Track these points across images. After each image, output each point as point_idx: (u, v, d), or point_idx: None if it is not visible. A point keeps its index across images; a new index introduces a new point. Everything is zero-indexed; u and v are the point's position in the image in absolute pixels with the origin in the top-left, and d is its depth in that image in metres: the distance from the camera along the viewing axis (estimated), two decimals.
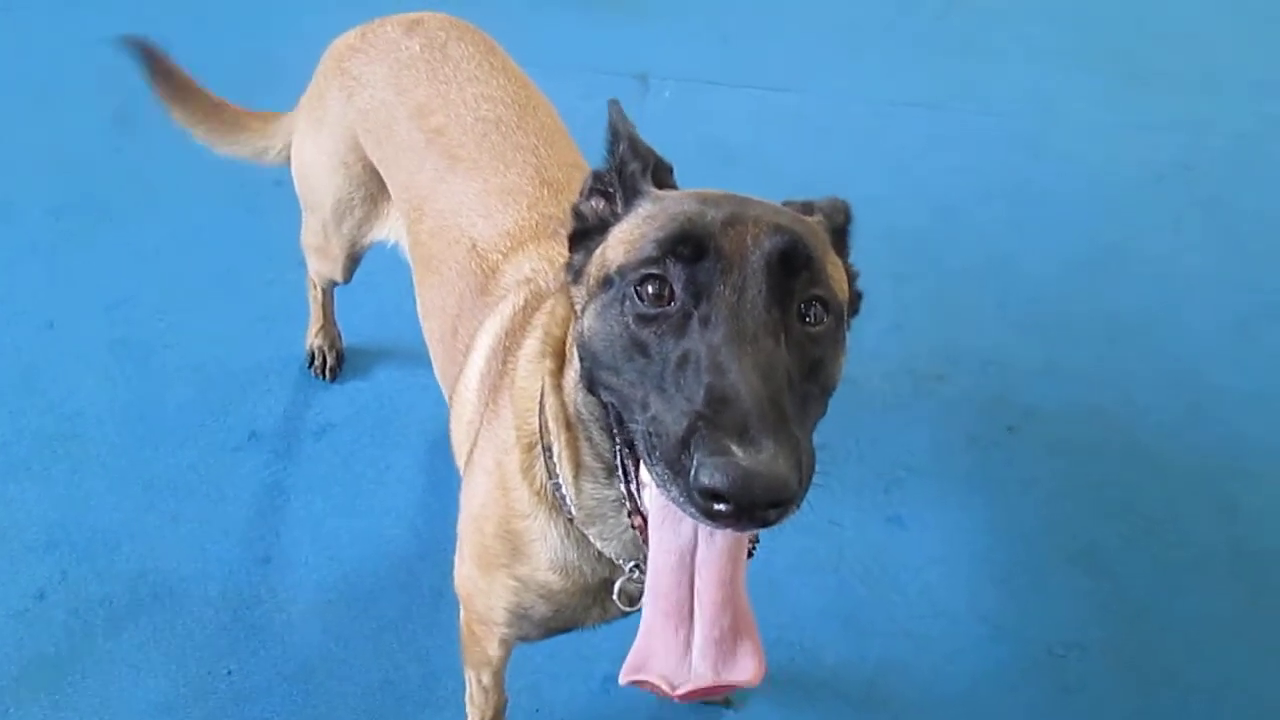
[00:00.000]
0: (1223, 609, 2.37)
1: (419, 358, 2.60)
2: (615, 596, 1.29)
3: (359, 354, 2.65)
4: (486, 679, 1.71)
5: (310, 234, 2.20)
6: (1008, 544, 2.46)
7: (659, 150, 1.23)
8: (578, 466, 1.18)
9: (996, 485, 2.58)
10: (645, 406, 0.94)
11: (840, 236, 1.18)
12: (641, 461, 0.98)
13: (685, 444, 0.87)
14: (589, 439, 1.14)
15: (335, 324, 2.58)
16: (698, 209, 1.01)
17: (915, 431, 2.68)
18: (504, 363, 1.41)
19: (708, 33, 4.13)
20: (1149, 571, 2.43)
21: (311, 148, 2.02)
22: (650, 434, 0.92)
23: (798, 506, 0.88)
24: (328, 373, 2.56)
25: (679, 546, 0.98)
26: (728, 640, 0.97)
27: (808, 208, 1.17)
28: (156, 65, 2.23)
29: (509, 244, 1.57)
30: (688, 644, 0.97)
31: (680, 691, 0.97)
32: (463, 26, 1.91)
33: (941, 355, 2.87)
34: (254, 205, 3.04)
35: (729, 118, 3.65)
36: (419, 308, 1.84)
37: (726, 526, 0.87)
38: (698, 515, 0.87)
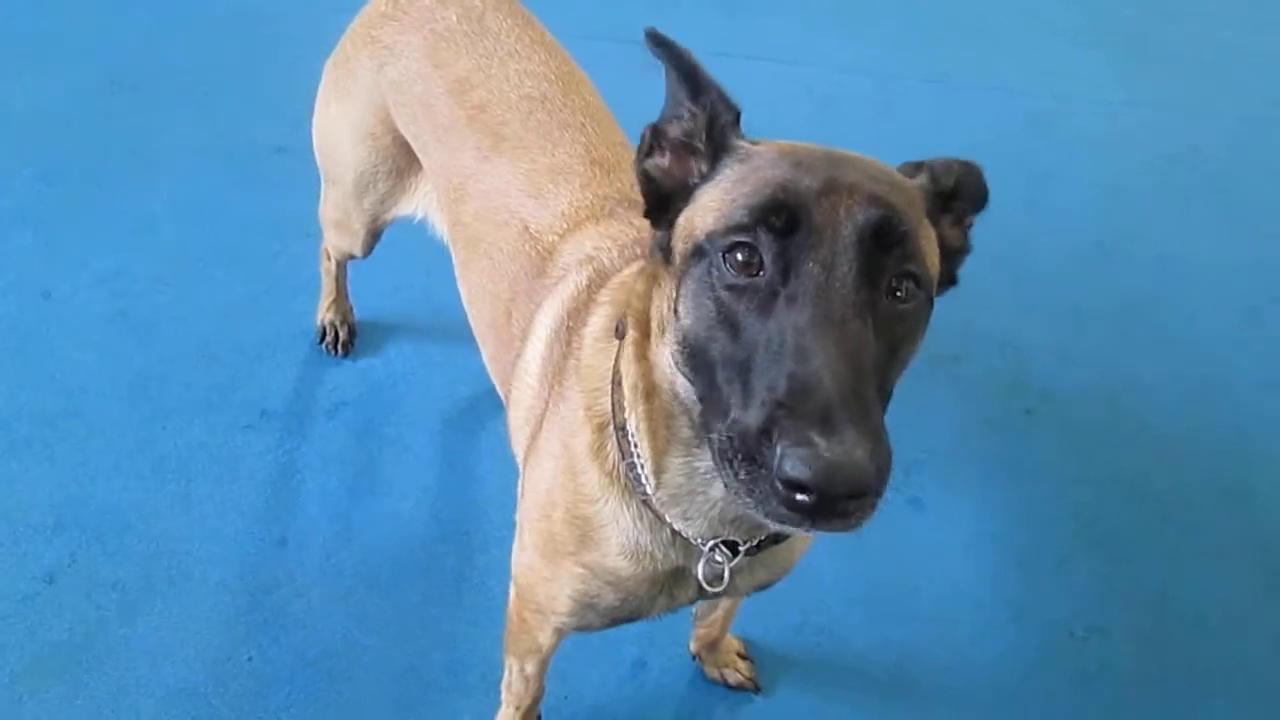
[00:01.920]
0: (1238, 592, 2.39)
1: (434, 333, 2.56)
2: (700, 579, 1.24)
3: (371, 329, 2.58)
4: (531, 668, 1.67)
5: (330, 207, 2.12)
6: (1027, 527, 2.46)
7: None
8: (665, 441, 1.12)
9: (1015, 468, 2.58)
10: (726, 412, 0.91)
11: (946, 201, 1.12)
12: (713, 463, 0.95)
13: (766, 433, 0.85)
14: (685, 410, 1.08)
15: (348, 298, 2.50)
16: (792, 175, 0.96)
17: (934, 413, 2.66)
18: (568, 344, 1.35)
19: (717, 5, 4.06)
20: (1166, 555, 2.44)
21: (337, 117, 1.94)
22: (730, 438, 0.89)
23: (880, 497, 0.86)
24: (340, 348, 2.49)
25: None
26: None
27: (917, 167, 1.12)
28: None
29: (565, 225, 1.51)
30: None
31: None
32: None
33: (958, 336, 2.85)
34: (255, 173, 2.95)
35: (736, 90, 3.52)
36: (463, 294, 1.77)
37: (805, 524, 0.85)
38: (779, 510, 0.85)
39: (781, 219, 0.93)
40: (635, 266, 1.34)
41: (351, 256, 2.27)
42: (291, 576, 2.11)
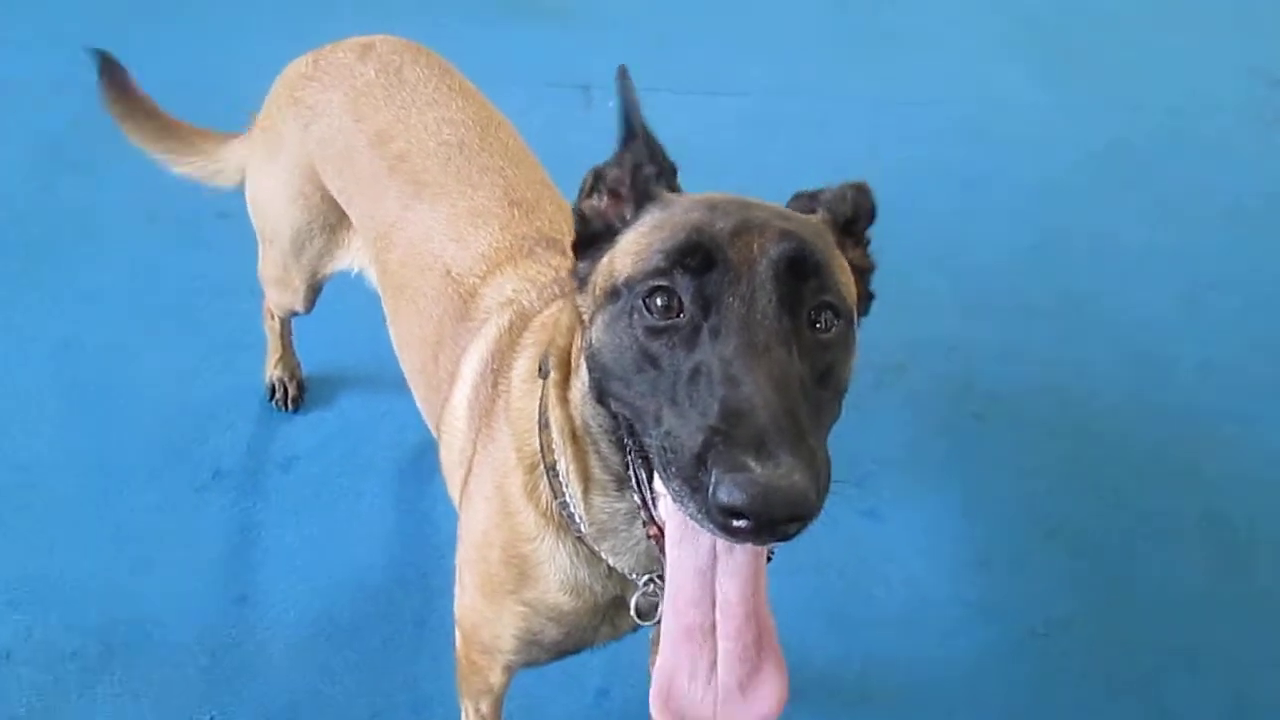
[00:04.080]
0: (1194, 573, 2.43)
1: (381, 382, 2.58)
2: (633, 613, 1.26)
3: (320, 382, 2.60)
4: (485, 708, 1.67)
5: (268, 265, 2.14)
6: (983, 528, 2.49)
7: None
8: (587, 480, 1.16)
9: (967, 470, 2.61)
10: (659, 421, 0.93)
11: (848, 226, 1.16)
12: (656, 473, 0.97)
13: (702, 460, 0.86)
14: (597, 451, 1.12)
15: (294, 353, 2.52)
16: (706, 217, 1.00)
17: (883, 423, 2.70)
18: (494, 386, 1.38)
19: (646, 41, 4.13)
20: (1121, 543, 2.48)
21: (267, 180, 1.97)
22: (665, 449, 0.91)
23: (816, 517, 0.87)
24: (290, 403, 2.51)
25: (698, 564, 0.97)
26: (751, 654, 0.96)
27: (812, 200, 1.15)
28: (114, 79, 2.17)
29: (485, 267, 1.54)
30: (712, 662, 0.96)
31: None
32: (416, 49, 1.88)
33: (902, 345, 2.89)
34: (198, 238, 2.97)
35: (675, 123, 3.56)
36: (394, 339, 1.80)
37: (746, 541, 0.87)
38: (717, 531, 0.86)
39: (696, 259, 0.96)
40: (556, 306, 1.37)
41: (294, 313, 2.29)
42: (252, 632, 2.11)
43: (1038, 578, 2.39)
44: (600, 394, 1.03)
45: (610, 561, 1.22)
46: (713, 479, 0.84)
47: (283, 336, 2.47)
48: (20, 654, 2.04)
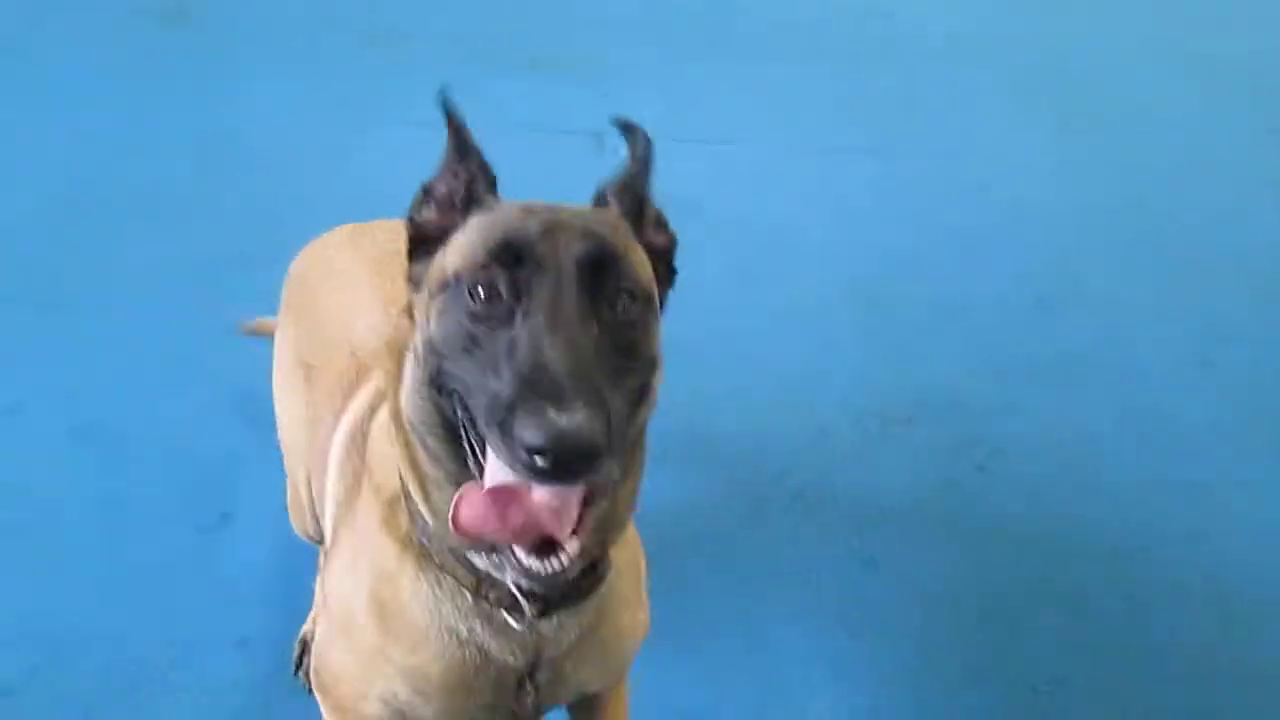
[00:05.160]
0: (1197, 637, 2.41)
1: None
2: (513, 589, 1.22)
3: None
4: None
5: (289, 488, 2.01)
6: (984, 583, 2.49)
7: None
8: (423, 480, 1.21)
9: (969, 525, 2.62)
10: (483, 389, 1.07)
11: (638, 212, 1.28)
12: (481, 430, 1.08)
13: (512, 409, 1.00)
14: (425, 447, 1.19)
15: None
16: (520, 220, 1.15)
17: (886, 475, 2.71)
18: (363, 444, 1.42)
19: (655, 92, 4.21)
20: (1124, 604, 2.47)
21: (280, 396, 1.95)
22: (486, 408, 1.05)
23: (609, 463, 1.01)
24: None
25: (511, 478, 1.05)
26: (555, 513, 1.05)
27: (601, 199, 1.28)
28: None
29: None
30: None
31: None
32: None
33: (907, 399, 2.92)
34: (213, 286, 3.02)
35: (681, 172, 3.68)
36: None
37: (547, 481, 1.00)
38: (524, 471, 0.99)
39: (510, 254, 1.11)
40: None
41: (312, 539, 2.03)
42: (252, 676, 2.12)
43: (1038, 636, 2.38)
44: (434, 378, 1.14)
45: (477, 563, 1.21)
46: (517, 423, 0.97)
47: None
48: (23, 692, 2.06)
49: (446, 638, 1.26)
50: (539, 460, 0.96)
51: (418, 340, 1.18)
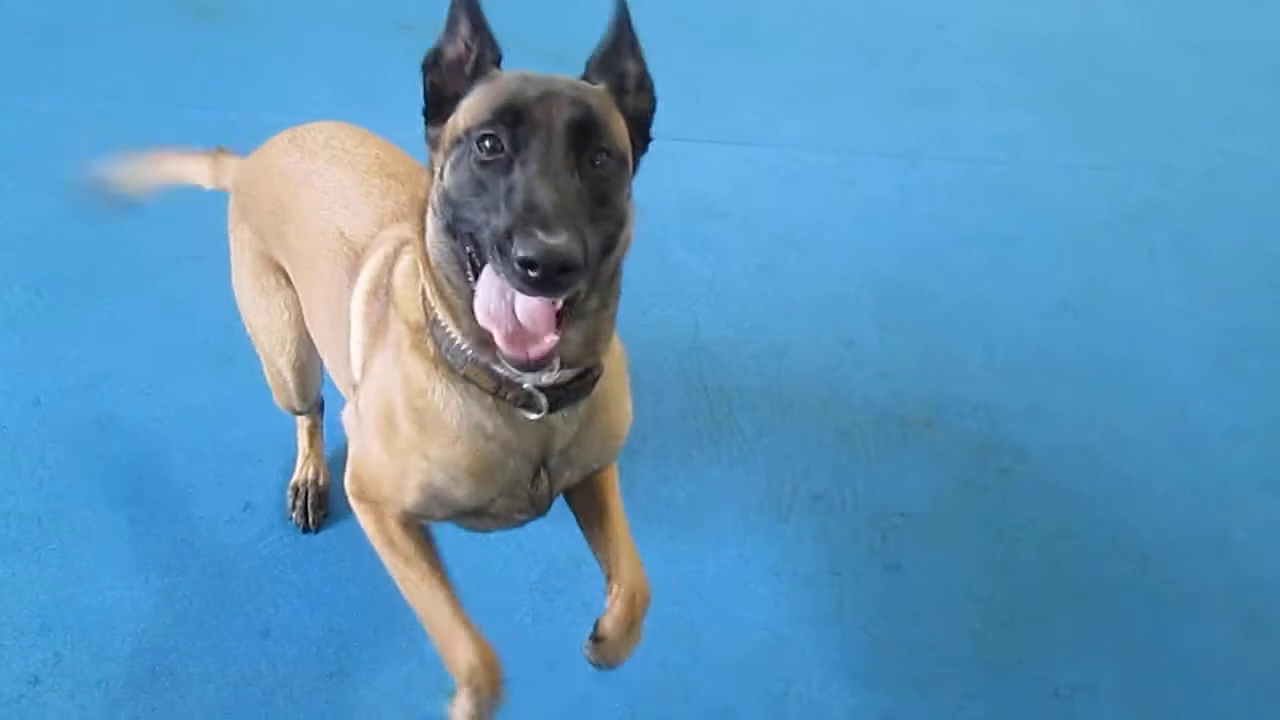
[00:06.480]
0: (1221, 641, 2.40)
1: None
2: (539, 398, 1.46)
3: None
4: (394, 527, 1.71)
5: (265, 368, 2.30)
6: (1008, 586, 2.48)
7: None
8: (451, 305, 1.44)
9: (993, 528, 2.60)
10: (488, 225, 1.29)
11: (620, 84, 1.47)
12: (489, 262, 1.30)
13: (510, 235, 1.23)
14: (448, 281, 1.42)
15: (322, 458, 2.49)
16: (520, 86, 1.35)
17: (909, 478, 2.70)
18: (384, 296, 1.64)
19: (682, 93, 4.19)
20: (1148, 608, 2.46)
21: (242, 285, 2.17)
22: (491, 238, 1.27)
23: (584, 277, 1.27)
24: (310, 518, 2.41)
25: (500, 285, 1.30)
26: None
27: (587, 76, 1.47)
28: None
29: (374, 228, 1.81)
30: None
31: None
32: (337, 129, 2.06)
33: (929, 401, 2.90)
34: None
35: (707, 173, 3.71)
36: (309, 322, 2.00)
37: (537, 291, 1.23)
38: (518, 283, 1.23)
39: (511, 115, 1.32)
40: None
41: (295, 410, 2.36)
42: (274, 667, 2.13)
43: (1062, 639, 2.37)
44: (450, 225, 1.37)
45: (498, 370, 1.43)
46: (514, 245, 1.21)
47: (311, 435, 2.46)
48: (47, 681, 2.07)
49: (475, 433, 1.51)
50: (531, 273, 1.19)
51: (434, 196, 1.40)
